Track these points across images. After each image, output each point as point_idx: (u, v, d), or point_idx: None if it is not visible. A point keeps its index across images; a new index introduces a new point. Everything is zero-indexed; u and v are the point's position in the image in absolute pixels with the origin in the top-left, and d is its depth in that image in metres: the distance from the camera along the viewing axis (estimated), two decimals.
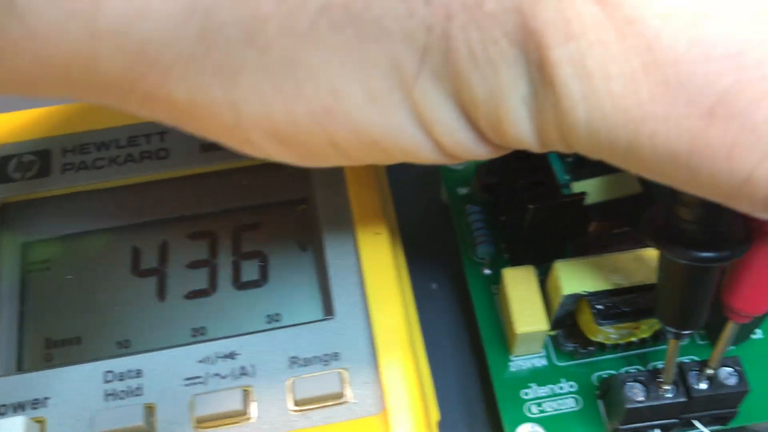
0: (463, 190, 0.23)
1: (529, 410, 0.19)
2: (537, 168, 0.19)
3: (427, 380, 0.19)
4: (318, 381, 0.16)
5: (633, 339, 0.20)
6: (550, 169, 0.19)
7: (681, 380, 0.18)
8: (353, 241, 0.18)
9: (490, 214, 0.22)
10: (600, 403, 0.19)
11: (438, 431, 0.19)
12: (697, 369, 0.18)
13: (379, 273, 0.18)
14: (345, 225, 0.19)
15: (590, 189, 0.20)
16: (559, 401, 0.20)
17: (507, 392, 0.20)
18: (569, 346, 0.20)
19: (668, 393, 0.18)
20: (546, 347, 0.20)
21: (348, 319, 0.17)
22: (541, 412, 0.19)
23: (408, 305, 0.19)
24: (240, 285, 0.19)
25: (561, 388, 0.20)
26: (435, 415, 0.19)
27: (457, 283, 0.23)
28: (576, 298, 0.18)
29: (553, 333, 0.20)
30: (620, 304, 0.18)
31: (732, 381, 0.18)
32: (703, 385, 0.18)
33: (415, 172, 0.26)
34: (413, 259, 0.24)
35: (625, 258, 0.18)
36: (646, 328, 0.19)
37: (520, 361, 0.20)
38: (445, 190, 0.23)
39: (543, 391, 0.20)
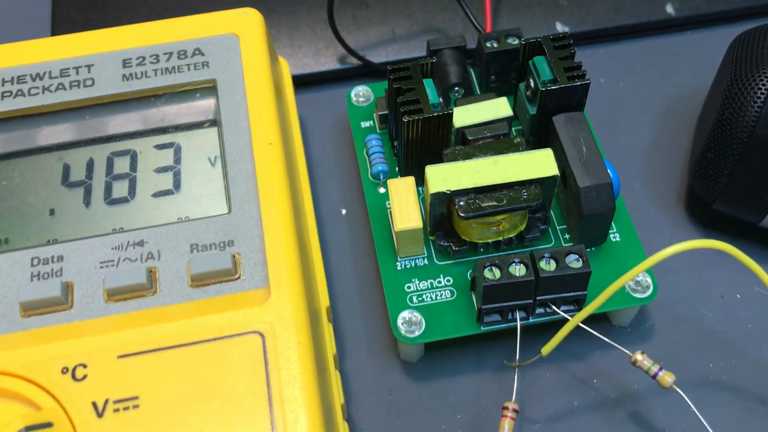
0: (366, 123, 0.26)
1: (410, 300, 0.22)
2: (415, 93, 0.22)
3: (319, 270, 0.22)
4: (213, 260, 0.19)
5: (500, 239, 0.22)
6: (424, 92, 0.22)
7: (532, 263, 0.21)
8: (250, 151, 0.21)
9: (387, 142, 0.25)
10: (473, 295, 0.22)
11: (329, 315, 0.22)
12: (548, 255, 0.21)
13: (270, 176, 0.21)
14: (244, 138, 0.21)
15: (465, 112, 0.23)
16: (437, 293, 0.23)
17: (393, 287, 0.23)
18: (445, 245, 0.23)
19: (518, 271, 0.21)
20: (428, 250, 0.23)
21: (243, 214, 0.20)
22: (420, 301, 0.22)
23: (302, 206, 0.22)
24: (155, 194, 0.22)
25: (439, 282, 0.23)
26: (325, 301, 0.22)
27: (364, 208, 0.26)
28: (443, 197, 0.21)
29: (432, 238, 0.23)
30: (481, 200, 0.21)
31: (576, 264, 0.21)
32: (551, 267, 0.21)
33: (328, 118, 0.29)
34: (326, 189, 0.27)
35: (484, 162, 0.21)
36: (509, 227, 0.22)
37: (406, 262, 0.23)
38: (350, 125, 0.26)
39: (423, 285, 0.23)
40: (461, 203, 0.21)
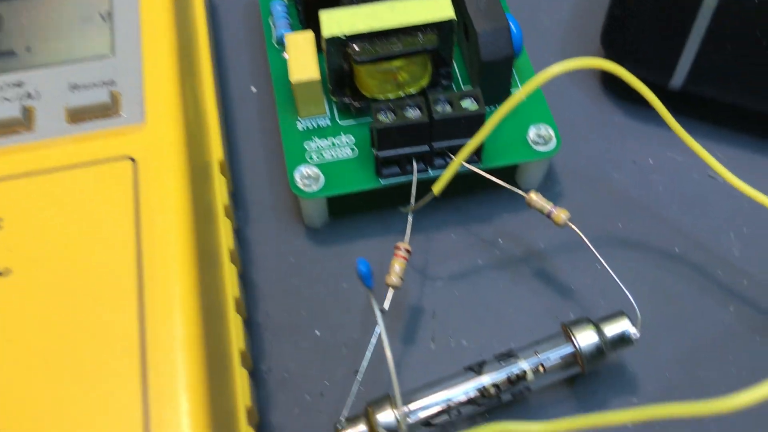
0: None
1: (310, 157, 0.22)
2: None
3: (213, 125, 0.22)
4: (91, 96, 0.19)
5: (401, 94, 0.22)
6: None
7: (425, 106, 0.20)
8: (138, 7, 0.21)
9: (294, 9, 0.25)
10: (373, 151, 0.22)
11: (222, 168, 0.22)
12: (444, 98, 0.20)
13: (154, 23, 0.20)
14: None
15: None
16: (337, 150, 0.22)
17: (292, 145, 0.22)
18: (345, 100, 0.22)
19: (411, 114, 0.20)
20: (331, 110, 0.23)
21: (125, 56, 0.20)
22: (321, 159, 0.22)
23: (197, 65, 0.22)
24: (38, 39, 0.21)
25: (340, 141, 0.22)
26: (218, 153, 0.22)
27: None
28: (338, 42, 0.21)
29: (335, 100, 0.23)
30: (376, 44, 0.21)
31: (471, 106, 0.20)
32: (446, 110, 0.20)
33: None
34: (237, 68, 0.27)
35: (381, 7, 0.21)
36: (409, 79, 0.22)
37: (307, 122, 0.23)
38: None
39: (324, 143, 0.22)
40: (356, 47, 0.21)
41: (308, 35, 0.22)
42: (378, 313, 0.15)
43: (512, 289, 0.22)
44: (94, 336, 0.15)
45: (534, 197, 0.20)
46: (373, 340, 0.19)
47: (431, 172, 0.22)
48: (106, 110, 0.19)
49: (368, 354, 0.17)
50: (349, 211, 0.23)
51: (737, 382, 0.21)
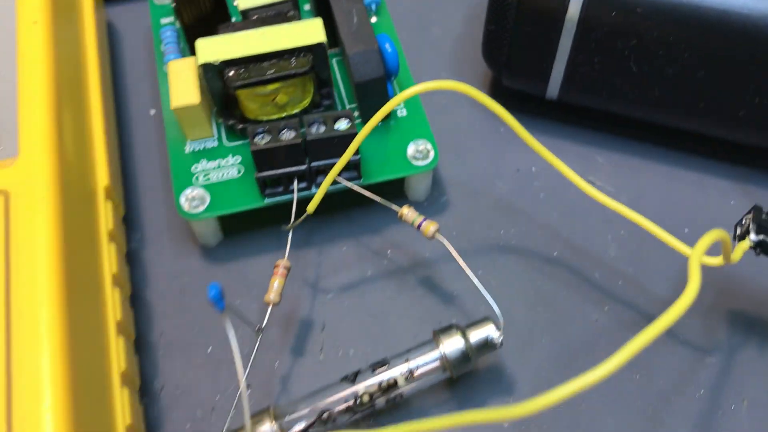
0: (166, 20, 0.26)
1: (197, 179, 0.23)
2: None
3: (100, 152, 0.22)
4: None
5: (284, 114, 0.23)
6: None
7: (301, 126, 0.21)
8: (13, 28, 0.21)
9: (182, 36, 0.25)
10: None
11: (108, 193, 0.22)
12: (319, 120, 0.21)
13: (31, 53, 0.21)
14: (9, 17, 0.21)
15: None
16: (224, 171, 0.23)
17: (180, 168, 0.23)
18: (229, 122, 0.23)
19: (286, 136, 0.21)
20: (219, 132, 0.23)
21: (0, 90, 0.20)
22: (207, 180, 0.23)
23: (84, 93, 0.22)
24: None
25: (227, 162, 0.23)
26: (104, 179, 0.22)
27: None
28: (213, 68, 0.21)
29: (221, 121, 0.23)
30: (250, 70, 0.21)
31: (344, 126, 0.21)
32: (319, 130, 0.21)
33: (143, 25, 0.29)
34: (136, 91, 0.27)
35: (254, 33, 0.22)
36: (288, 101, 0.22)
37: (195, 144, 0.23)
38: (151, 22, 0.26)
39: (211, 164, 0.23)
40: (230, 73, 0.21)
41: (189, 61, 0.23)
42: (231, 334, 0.16)
43: (398, 298, 0.23)
44: None
45: (405, 211, 0.21)
46: (247, 356, 0.20)
47: (314, 189, 0.22)
48: None
49: (240, 372, 0.18)
50: (243, 228, 0.24)
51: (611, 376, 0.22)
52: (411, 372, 0.20)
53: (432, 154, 0.23)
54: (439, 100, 0.27)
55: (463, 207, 0.25)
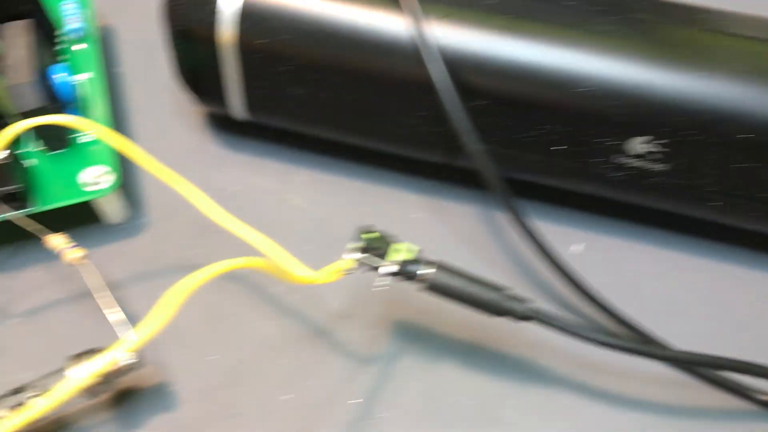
0: None
1: None
2: None
3: None
4: None
5: None
6: None
7: None
8: None
9: None
10: None
11: None
12: None
13: None
14: None
15: None
16: None
17: None
18: None
19: None
20: None
21: None
22: None
23: None
24: None
25: None
26: None
27: None
28: None
29: None
30: None
31: None
32: None
33: None
34: None
35: None
36: None
37: None
38: None
39: None
40: None
41: None
42: None
43: (79, 320, 0.23)
44: None
45: (50, 239, 0.22)
46: None
47: None
48: None
49: None
50: None
51: (267, 391, 0.22)
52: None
53: (109, 178, 0.24)
54: (151, 123, 0.27)
55: (161, 227, 0.25)
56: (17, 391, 0.20)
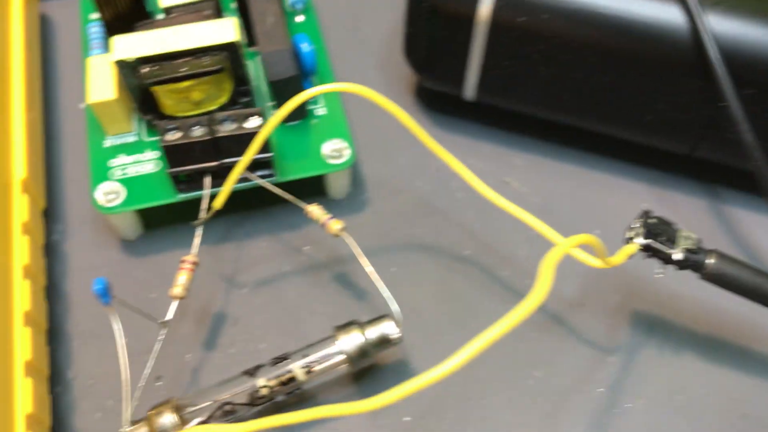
0: (94, 15, 0.26)
1: (113, 174, 0.23)
2: None
3: (18, 144, 0.23)
4: None
5: (200, 112, 0.23)
6: None
7: (210, 123, 0.22)
8: None
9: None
10: None
11: (25, 186, 0.23)
12: (231, 118, 0.22)
13: None
14: None
15: None
16: (141, 166, 0.23)
17: (98, 163, 0.23)
18: (147, 117, 0.23)
19: (196, 132, 0.21)
20: (140, 128, 0.24)
21: None
22: (124, 174, 0.23)
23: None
24: None
25: (144, 156, 0.23)
26: (21, 172, 0.23)
27: None
28: (127, 65, 0.22)
29: (144, 118, 0.24)
30: (164, 67, 0.22)
31: (254, 124, 0.22)
32: (230, 128, 0.21)
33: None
34: (68, 84, 0.28)
35: (169, 31, 0.22)
36: (204, 98, 0.23)
37: (114, 139, 0.24)
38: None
39: (129, 159, 0.23)
40: (144, 70, 0.22)
41: (107, 57, 0.23)
42: (116, 328, 0.17)
43: (312, 294, 0.23)
44: None
45: (312, 209, 0.21)
46: (157, 347, 0.21)
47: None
48: None
49: (123, 364, 0.19)
50: (163, 224, 0.25)
51: (511, 374, 0.22)
52: (309, 366, 0.20)
53: (348, 153, 0.23)
54: (365, 100, 0.27)
55: (382, 205, 0.25)
56: (280, 359, 0.20)
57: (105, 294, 0.16)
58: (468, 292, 0.23)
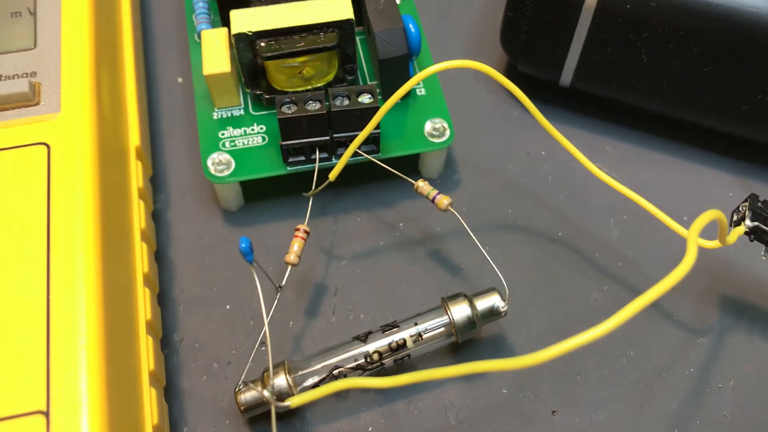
0: None
1: (223, 145, 0.24)
2: None
3: (132, 113, 0.24)
4: (11, 86, 0.20)
5: (309, 87, 0.24)
6: None
7: (326, 99, 0.22)
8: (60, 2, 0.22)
9: (215, 6, 0.26)
10: None
11: (139, 153, 0.24)
12: (344, 94, 0.22)
13: (74, 18, 0.22)
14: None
15: None
16: (249, 139, 0.24)
17: (207, 133, 0.24)
18: (256, 92, 0.24)
19: (311, 107, 0.22)
20: (246, 101, 0.25)
21: (46, 49, 0.21)
22: (233, 146, 0.24)
23: (119, 56, 0.23)
24: None
25: (252, 130, 0.24)
26: (135, 140, 0.23)
27: None
28: (245, 39, 0.22)
29: (248, 90, 0.24)
30: (280, 42, 0.22)
31: (367, 100, 0.22)
32: (343, 103, 0.22)
33: None
34: (164, 59, 0.29)
35: (286, 7, 0.23)
36: (315, 74, 0.23)
37: (222, 112, 0.24)
38: None
39: (237, 132, 0.24)
40: (262, 44, 0.22)
41: (222, 31, 0.24)
42: (258, 283, 0.17)
43: (408, 268, 0.24)
44: (3, 307, 0.17)
45: (421, 184, 0.22)
46: (271, 311, 0.21)
47: (334, 160, 0.23)
48: (27, 100, 0.20)
49: (267, 320, 0.19)
50: (264, 196, 0.25)
51: (606, 352, 0.23)
52: (420, 334, 0.21)
53: (448, 132, 0.24)
54: (456, 82, 0.28)
55: (474, 185, 0.26)
56: (389, 326, 0.21)
57: (249, 252, 0.17)
58: (560, 272, 0.24)
